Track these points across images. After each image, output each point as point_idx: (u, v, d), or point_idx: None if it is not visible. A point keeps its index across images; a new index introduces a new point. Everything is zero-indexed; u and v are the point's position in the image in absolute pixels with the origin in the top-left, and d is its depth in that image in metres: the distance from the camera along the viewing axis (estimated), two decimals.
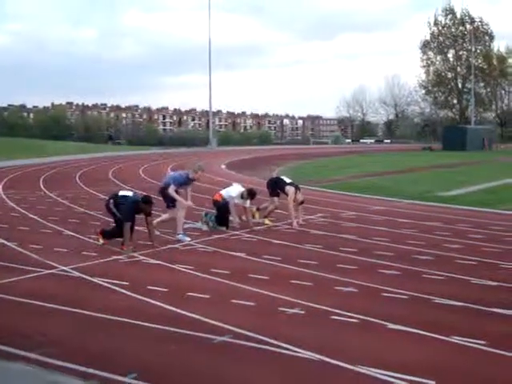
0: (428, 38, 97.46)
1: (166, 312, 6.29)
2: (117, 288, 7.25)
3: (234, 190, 11.59)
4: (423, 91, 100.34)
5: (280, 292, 6.97)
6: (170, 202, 10.66)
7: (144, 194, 10.01)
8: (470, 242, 10.34)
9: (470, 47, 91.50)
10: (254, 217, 12.17)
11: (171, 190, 10.49)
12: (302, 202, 12.28)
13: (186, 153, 53.10)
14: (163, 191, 10.74)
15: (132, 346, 5.32)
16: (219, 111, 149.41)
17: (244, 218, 11.82)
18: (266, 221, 12.26)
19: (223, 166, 33.38)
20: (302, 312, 6.29)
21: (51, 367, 4.75)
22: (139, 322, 5.89)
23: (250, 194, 11.57)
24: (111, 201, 9.81)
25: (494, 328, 5.79)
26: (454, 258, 9.02)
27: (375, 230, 11.53)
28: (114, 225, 9.95)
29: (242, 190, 11.66)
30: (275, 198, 12.36)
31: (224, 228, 11.42)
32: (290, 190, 12.06)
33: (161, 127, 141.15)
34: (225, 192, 11.70)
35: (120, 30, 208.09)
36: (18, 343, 5.27)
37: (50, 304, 6.54)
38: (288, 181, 12.42)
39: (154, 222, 10.30)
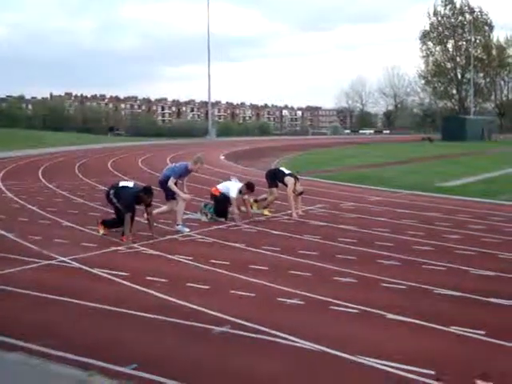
0: (427, 28, 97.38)
1: (165, 303, 6.29)
2: (116, 279, 7.26)
3: (232, 188, 11.42)
4: (422, 81, 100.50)
5: (279, 282, 6.98)
6: (170, 194, 10.65)
7: (144, 185, 9.99)
8: (469, 233, 10.35)
9: (469, 37, 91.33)
10: (251, 208, 12.15)
11: (171, 183, 10.48)
12: (301, 193, 12.28)
13: (185, 144, 53.02)
14: (163, 183, 10.72)
15: (132, 336, 5.32)
16: (218, 102, 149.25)
17: (243, 208, 11.81)
18: (266, 212, 12.25)
19: (222, 157, 33.34)
20: (301, 302, 6.29)
21: (51, 358, 4.75)
22: (139, 313, 5.89)
23: (249, 187, 11.55)
24: (112, 191, 9.79)
25: (493, 318, 5.81)
26: (454, 248, 9.03)
27: (374, 221, 11.53)
28: (114, 216, 9.95)
29: (240, 185, 11.56)
30: (274, 189, 12.34)
31: (223, 219, 11.42)
32: (289, 180, 12.06)
33: (160, 118, 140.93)
34: (223, 187, 11.60)
35: (119, 21, 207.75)
36: (18, 334, 5.27)
37: (50, 295, 6.54)
38: (287, 172, 12.42)
39: (154, 212, 10.30)
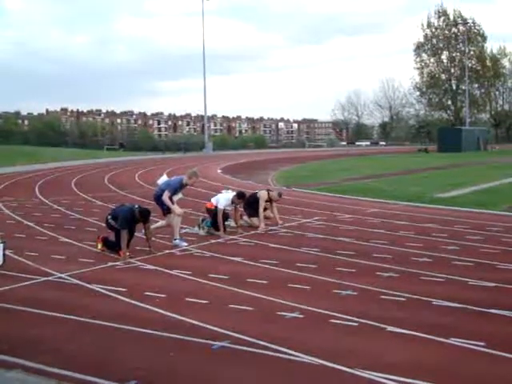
0: (421, 40, 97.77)
1: (164, 318, 6.26)
2: (114, 294, 7.22)
3: (221, 200, 11.39)
4: (418, 93, 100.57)
5: (278, 296, 6.95)
6: (167, 209, 10.61)
7: (143, 207, 9.89)
8: (467, 244, 10.34)
9: (463, 48, 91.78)
10: (241, 218, 12.11)
11: (165, 197, 10.44)
12: (270, 200, 12.34)
13: (182, 158, 53.07)
14: (158, 198, 10.69)
15: (130, 352, 5.29)
16: (214, 115, 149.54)
17: (242, 222, 11.84)
18: (233, 223, 12.06)
19: (219, 171, 33.36)
20: (301, 316, 6.27)
21: (49, 376, 4.72)
22: (137, 329, 5.86)
23: (240, 197, 11.56)
24: (109, 216, 9.77)
25: (493, 329, 5.79)
26: (452, 259, 9.01)
27: (372, 233, 11.52)
28: (114, 240, 9.83)
29: (231, 196, 11.55)
30: (254, 219, 12.17)
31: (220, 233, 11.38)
32: (261, 195, 12.19)
33: (156, 132, 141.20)
34: (215, 200, 11.60)
35: (114, 36, 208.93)
36: (15, 351, 5.23)
37: (47, 311, 6.50)
38: (256, 190, 12.75)
39: (152, 227, 10.26)
